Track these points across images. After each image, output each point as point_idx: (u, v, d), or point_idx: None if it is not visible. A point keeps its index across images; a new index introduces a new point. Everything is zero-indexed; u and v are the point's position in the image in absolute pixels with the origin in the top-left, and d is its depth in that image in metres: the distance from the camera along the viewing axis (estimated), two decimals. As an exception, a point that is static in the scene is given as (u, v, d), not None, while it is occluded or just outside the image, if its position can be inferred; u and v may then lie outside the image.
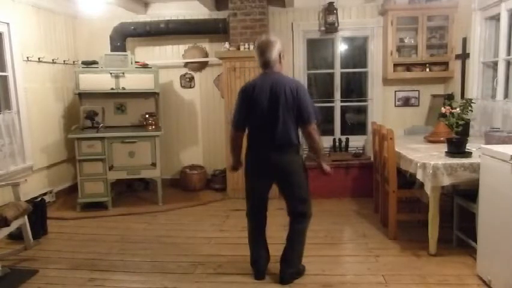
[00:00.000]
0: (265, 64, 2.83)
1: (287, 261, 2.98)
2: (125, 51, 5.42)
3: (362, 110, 5.83)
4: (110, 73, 5.02)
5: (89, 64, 5.11)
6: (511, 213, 2.51)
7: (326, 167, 2.94)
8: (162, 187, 5.11)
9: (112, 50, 5.37)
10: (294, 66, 5.55)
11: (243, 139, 2.97)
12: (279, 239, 3.14)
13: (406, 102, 5.57)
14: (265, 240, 3.08)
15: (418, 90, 5.52)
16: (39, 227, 3.98)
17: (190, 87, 5.86)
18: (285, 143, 2.79)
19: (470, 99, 3.90)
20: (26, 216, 3.64)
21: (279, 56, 2.84)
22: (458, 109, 3.74)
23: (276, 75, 2.83)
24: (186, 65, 5.80)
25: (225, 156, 5.21)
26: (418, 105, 5.54)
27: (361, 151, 5.51)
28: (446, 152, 3.33)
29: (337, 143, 5.48)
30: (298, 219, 2.96)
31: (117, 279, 3.14)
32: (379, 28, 5.42)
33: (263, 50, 2.81)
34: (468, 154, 3.23)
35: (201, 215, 4.68)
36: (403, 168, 3.57)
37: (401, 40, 5.29)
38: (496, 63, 4.23)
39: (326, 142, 5.53)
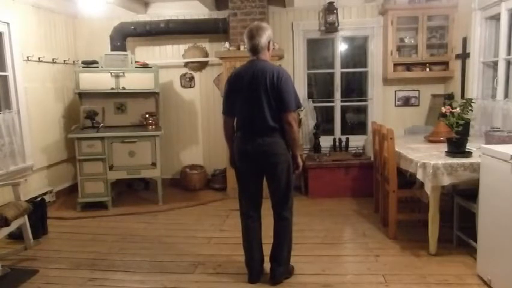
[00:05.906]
0: (254, 48, 2.82)
1: (277, 259, 2.96)
2: (125, 51, 5.42)
3: (362, 110, 5.83)
4: (110, 73, 5.02)
5: (89, 64, 5.12)
6: (511, 213, 2.51)
7: (300, 161, 2.91)
8: (162, 187, 5.11)
9: (112, 50, 5.37)
10: (294, 66, 5.56)
11: (232, 125, 2.98)
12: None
13: (406, 102, 5.57)
14: (260, 242, 3.02)
15: (418, 90, 5.52)
16: (39, 226, 3.98)
17: (190, 87, 5.86)
18: (266, 127, 2.78)
19: (470, 99, 3.89)
20: (26, 216, 3.65)
21: (268, 43, 2.83)
22: (458, 109, 3.73)
23: (261, 63, 2.82)
24: (186, 64, 5.80)
25: (225, 155, 5.20)
26: (418, 105, 5.54)
27: (361, 151, 5.51)
28: (446, 151, 3.33)
29: (337, 143, 5.49)
30: (278, 211, 2.93)
31: (117, 278, 3.15)
32: (379, 28, 5.43)
33: (253, 34, 2.80)
34: (468, 154, 3.23)
35: (201, 214, 4.68)
36: (403, 168, 3.57)
37: (401, 40, 5.29)
38: (496, 63, 4.23)
39: (326, 142, 5.57)
